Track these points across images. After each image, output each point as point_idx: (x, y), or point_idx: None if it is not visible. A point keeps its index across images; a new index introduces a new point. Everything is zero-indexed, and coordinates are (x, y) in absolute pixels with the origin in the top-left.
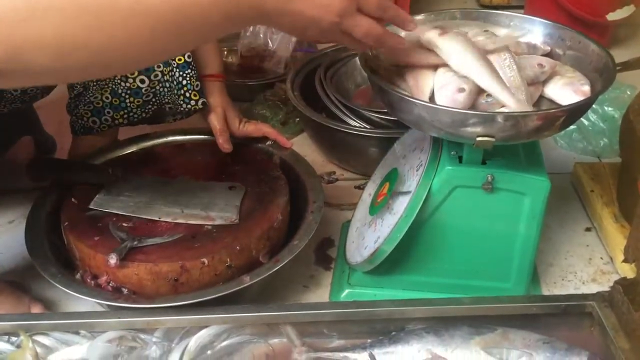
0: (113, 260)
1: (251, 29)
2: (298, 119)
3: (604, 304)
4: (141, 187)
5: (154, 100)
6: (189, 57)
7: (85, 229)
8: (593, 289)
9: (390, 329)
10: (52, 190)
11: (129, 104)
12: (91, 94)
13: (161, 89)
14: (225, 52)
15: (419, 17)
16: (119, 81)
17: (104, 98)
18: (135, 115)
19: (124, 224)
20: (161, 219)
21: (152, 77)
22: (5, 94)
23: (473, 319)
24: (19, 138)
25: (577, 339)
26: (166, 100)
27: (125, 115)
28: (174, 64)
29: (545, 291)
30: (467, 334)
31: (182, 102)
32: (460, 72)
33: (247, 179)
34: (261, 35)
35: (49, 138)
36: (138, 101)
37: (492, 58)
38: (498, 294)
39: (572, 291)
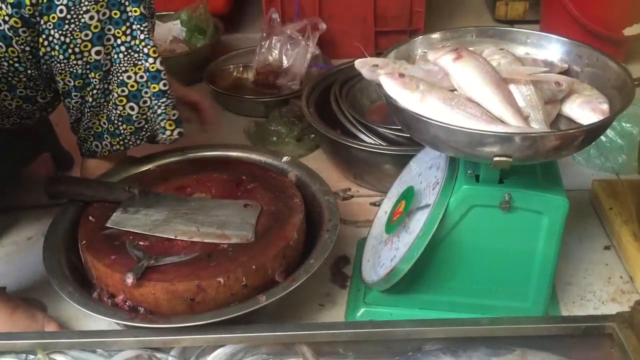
0: (130, 279)
1: (266, 45)
2: (313, 136)
3: (624, 325)
4: (157, 205)
5: (146, 126)
6: (164, 85)
7: (102, 248)
8: (613, 309)
9: (407, 349)
10: (70, 208)
11: (122, 131)
12: (88, 120)
13: (152, 115)
14: (241, 69)
15: (435, 35)
16: (112, 108)
17: (101, 124)
18: (130, 142)
19: (141, 243)
20: (177, 238)
21: (140, 103)
22: (1, 107)
23: (491, 339)
24: (38, 155)
25: None
26: (157, 127)
27: (121, 142)
28: (149, 92)
29: (564, 311)
30: (485, 355)
31: (159, 133)
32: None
33: (262, 197)
34: (276, 52)
35: (67, 155)
36: (130, 128)
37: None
38: (516, 314)
39: (591, 311)
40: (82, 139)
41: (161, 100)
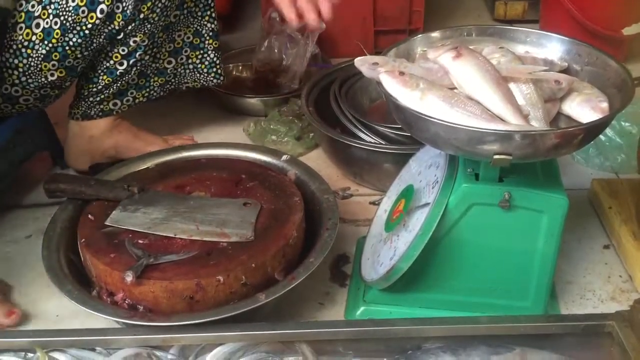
0: (129, 277)
1: (265, 44)
2: (313, 134)
3: (624, 324)
4: (157, 203)
5: (173, 80)
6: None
7: (101, 246)
8: (612, 307)
9: (406, 347)
10: (69, 206)
11: (152, 83)
12: (129, 78)
13: (183, 71)
14: (240, 68)
15: (435, 33)
16: (150, 62)
17: (129, 79)
18: (155, 93)
19: (140, 241)
20: (177, 236)
21: (178, 59)
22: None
23: (491, 338)
24: (37, 153)
25: (596, 359)
26: (185, 80)
27: (146, 94)
28: (210, 47)
29: (564, 309)
30: (485, 354)
31: (212, 79)
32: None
33: (262, 196)
34: (276, 51)
35: None
36: (161, 80)
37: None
38: (516, 313)
39: (590, 310)
40: (99, 101)
41: (218, 53)
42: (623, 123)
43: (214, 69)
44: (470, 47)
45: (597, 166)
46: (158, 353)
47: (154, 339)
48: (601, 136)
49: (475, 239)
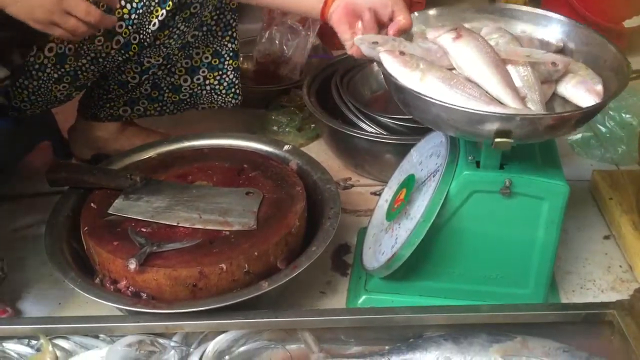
0: (132, 265)
1: (266, 35)
2: (314, 125)
3: (624, 313)
4: (159, 192)
5: (189, 100)
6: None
7: (104, 234)
8: (612, 297)
9: (408, 335)
10: (71, 195)
11: (166, 98)
12: (144, 90)
13: (199, 92)
14: (241, 59)
15: (433, 11)
16: (164, 75)
17: (142, 90)
18: (168, 110)
19: (143, 229)
20: (179, 225)
21: (194, 79)
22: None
23: (492, 326)
24: (39, 143)
25: (597, 347)
26: (202, 101)
27: (159, 108)
28: (229, 67)
29: (564, 299)
30: (486, 342)
31: (231, 100)
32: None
33: (264, 185)
34: (277, 42)
35: (67, 144)
36: (175, 97)
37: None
38: (516, 301)
39: (590, 299)
40: (109, 106)
41: (238, 73)
42: (624, 115)
43: (233, 89)
44: (467, 25)
45: (598, 158)
46: (161, 340)
47: (157, 326)
48: (602, 128)
49: (476, 227)
